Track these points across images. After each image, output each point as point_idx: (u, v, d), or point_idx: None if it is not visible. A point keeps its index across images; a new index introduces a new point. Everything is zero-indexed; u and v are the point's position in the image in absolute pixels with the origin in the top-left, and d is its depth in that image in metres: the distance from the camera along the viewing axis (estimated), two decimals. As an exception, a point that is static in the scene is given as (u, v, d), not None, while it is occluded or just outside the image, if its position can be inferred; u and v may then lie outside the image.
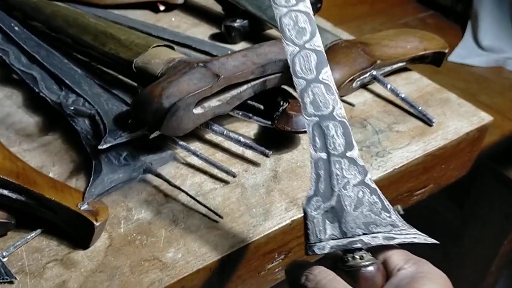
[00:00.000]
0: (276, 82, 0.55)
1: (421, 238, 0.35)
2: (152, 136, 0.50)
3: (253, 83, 0.53)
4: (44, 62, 0.60)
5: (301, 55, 0.38)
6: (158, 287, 0.40)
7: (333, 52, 0.64)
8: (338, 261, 0.35)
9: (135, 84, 0.58)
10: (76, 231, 0.43)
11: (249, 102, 0.56)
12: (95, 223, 0.42)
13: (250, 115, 0.55)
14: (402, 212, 0.60)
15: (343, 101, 0.61)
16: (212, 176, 0.51)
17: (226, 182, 0.50)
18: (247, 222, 0.46)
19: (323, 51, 0.39)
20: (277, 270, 0.50)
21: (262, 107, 0.56)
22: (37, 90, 0.56)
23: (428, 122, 0.60)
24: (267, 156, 0.52)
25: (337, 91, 0.38)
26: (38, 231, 0.43)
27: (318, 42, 0.39)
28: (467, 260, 1.01)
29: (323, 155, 0.36)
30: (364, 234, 0.35)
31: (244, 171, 0.52)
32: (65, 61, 0.62)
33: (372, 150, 0.55)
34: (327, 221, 0.35)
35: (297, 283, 0.35)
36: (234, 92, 0.53)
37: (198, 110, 0.51)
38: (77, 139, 0.52)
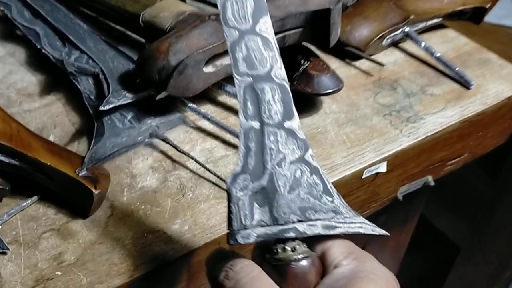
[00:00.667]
0: (296, 38, 0.49)
1: (368, 228, 0.30)
2: (159, 97, 0.46)
3: (270, 39, 0.48)
4: (48, 17, 0.56)
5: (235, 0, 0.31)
6: (162, 260, 0.37)
7: (361, 5, 0.58)
8: (266, 252, 0.29)
9: (143, 40, 0.54)
10: (74, 199, 0.40)
11: (267, 60, 0.51)
12: (94, 191, 0.38)
13: (268, 75, 0.50)
14: (432, 183, 0.56)
15: (371, 60, 0.55)
16: (224, 141, 0.47)
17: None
18: (261, 193, 0.42)
19: None
20: (293, 244, 0.46)
21: (280, 66, 0.51)
22: (39, 47, 0.53)
23: (465, 84, 0.54)
24: (284, 120, 0.47)
25: (277, 46, 0.31)
26: (35, 198, 0.40)
27: None
28: (499, 234, 0.95)
29: (256, 124, 0.30)
30: (299, 221, 0.29)
31: (260, 137, 0.47)
32: (71, 16, 0.57)
33: (402, 115, 0.50)
34: (255, 204, 0.29)
35: (215, 280, 0.29)
36: (250, 49, 0.48)
37: (209, 69, 0.46)
38: (80, 99, 0.48)
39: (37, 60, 0.55)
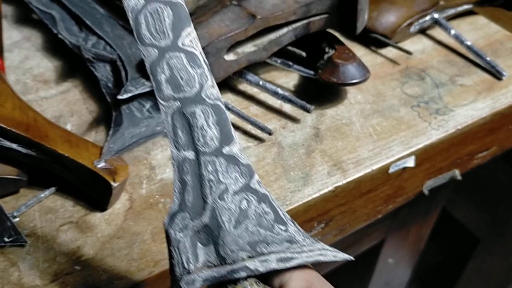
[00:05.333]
0: (321, 25, 0.47)
1: (329, 255, 0.26)
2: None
3: (294, 25, 0.46)
4: (64, 0, 0.55)
5: (148, 11, 0.27)
6: (181, 257, 0.36)
7: (388, -9, 0.56)
8: None
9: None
10: (92, 191, 0.39)
11: (289, 48, 0.49)
12: (112, 183, 0.37)
13: (290, 63, 0.48)
14: (459, 177, 0.54)
15: (398, 48, 0.53)
16: (245, 132, 0.45)
17: (260, 140, 0.44)
18: (283, 187, 0.40)
19: (183, 2, 0.27)
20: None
21: (304, 54, 0.49)
22: (55, 31, 0.51)
23: (497, 75, 0.52)
24: (308, 111, 0.45)
25: (206, 61, 0.27)
26: (52, 189, 0.39)
27: None
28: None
29: (190, 154, 0.26)
30: (250, 257, 0.26)
31: (282, 128, 0.46)
32: (87, -1, 0.56)
33: (431, 107, 0.48)
34: (198, 244, 0.26)
35: None
36: (273, 36, 0.46)
37: (230, 57, 0.44)
38: (98, 87, 0.47)
39: (54, 45, 0.54)
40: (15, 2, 0.59)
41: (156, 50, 0.27)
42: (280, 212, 0.27)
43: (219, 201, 0.26)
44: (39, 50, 0.54)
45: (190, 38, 0.27)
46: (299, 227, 0.27)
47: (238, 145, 0.27)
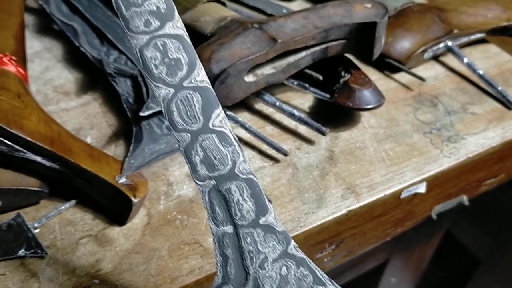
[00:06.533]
0: (338, 50, 0.49)
1: None
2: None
3: (313, 49, 0.47)
4: (86, 13, 0.56)
5: (179, 99, 0.28)
6: (198, 275, 0.37)
7: (404, 17, 0.57)
8: None
9: (182, 43, 0.53)
10: (112, 205, 0.39)
11: (306, 71, 0.50)
12: (133, 199, 0.38)
13: (307, 85, 0.50)
14: (466, 203, 0.55)
15: (412, 74, 0.54)
16: (260, 152, 0.46)
17: (276, 160, 0.45)
18: (298, 208, 0.41)
19: (209, 86, 0.28)
20: (325, 260, 0.46)
21: (320, 77, 0.50)
22: (77, 44, 0.52)
23: (507, 104, 0.53)
24: (323, 134, 0.46)
25: (236, 137, 0.28)
26: (73, 202, 0.40)
27: (200, 75, 0.28)
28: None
29: (229, 229, 0.28)
30: None
31: (296, 149, 0.46)
32: (108, 13, 0.57)
33: (443, 134, 0.49)
34: None
35: None
36: (291, 59, 0.47)
37: (249, 78, 0.45)
38: (118, 101, 0.48)
39: (74, 57, 0.55)
40: (36, 12, 0.60)
41: (189, 135, 0.28)
42: (318, 273, 0.28)
43: (260, 270, 0.28)
44: (59, 61, 0.55)
45: (219, 118, 0.28)
46: (336, 284, 0.28)
47: (273, 213, 0.28)
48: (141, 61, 0.28)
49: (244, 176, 0.28)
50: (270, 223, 0.28)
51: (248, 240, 0.28)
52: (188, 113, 0.28)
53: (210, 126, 0.28)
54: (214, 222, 0.28)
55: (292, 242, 0.28)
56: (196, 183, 0.28)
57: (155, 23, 0.29)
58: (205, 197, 0.28)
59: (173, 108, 0.28)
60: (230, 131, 0.28)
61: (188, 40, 0.29)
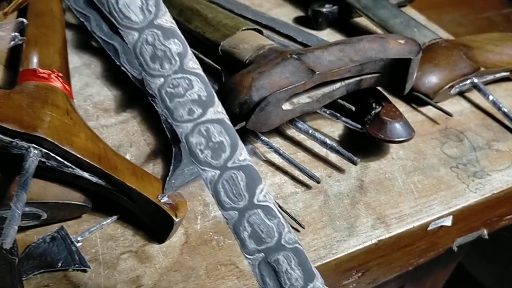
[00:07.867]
0: (372, 82, 0.50)
1: None
2: (235, 128, 0.47)
3: (347, 81, 0.49)
4: (125, 32, 0.58)
5: (225, 179, 0.30)
6: (234, 296, 0.38)
7: (431, 52, 0.59)
8: None
9: (219, 67, 0.55)
10: (153, 223, 0.41)
11: (339, 101, 0.52)
12: (175, 218, 0.39)
13: (338, 115, 0.51)
14: (486, 236, 0.56)
15: (439, 108, 0.56)
16: (293, 178, 0.48)
17: (308, 186, 0.47)
18: (330, 236, 0.43)
19: (251, 163, 0.30)
20: (350, 287, 0.47)
21: (353, 108, 0.52)
22: (118, 63, 0.54)
23: (531, 143, 0.54)
24: (354, 163, 0.48)
25: (280, 209, 0.30)
26: (114, 217, 0.42)
27: (242, 154, 0.30)
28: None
29: None
30: None
31: (327, 177, 0.48)
32: (146, 33, 0.59)
33: (469, 169, 0.50)
34: None
35: None
36: (326, 89, 0.49)
37: (286, 106, 0.47)
38: (156, 120, 0.49)
39: (113, 74, 0.57)
40: (76, 28, 0.63)
41: (236, 212, 0.29)
42: None
43: None
44: (98, 77, 0.57)
45: (263, 193, 0.30)
46: None
47: (320, 278, 0.29)
48: (187, 147, 0.30)
49: (290, 246, 0.29)
50: (317, 287, 0.29)
51: None
52: (234, 191, 0.30)
53: (255, 202, 0.29)
54: None
55: None
56: (246, 257, 0.29)
57: (198, 111, 0.30)
58: (255, 270, 0.29)
59: (220, 188, 0.30)
60: (274, 204, 0.30)
61: (229, 122, 0.31)
